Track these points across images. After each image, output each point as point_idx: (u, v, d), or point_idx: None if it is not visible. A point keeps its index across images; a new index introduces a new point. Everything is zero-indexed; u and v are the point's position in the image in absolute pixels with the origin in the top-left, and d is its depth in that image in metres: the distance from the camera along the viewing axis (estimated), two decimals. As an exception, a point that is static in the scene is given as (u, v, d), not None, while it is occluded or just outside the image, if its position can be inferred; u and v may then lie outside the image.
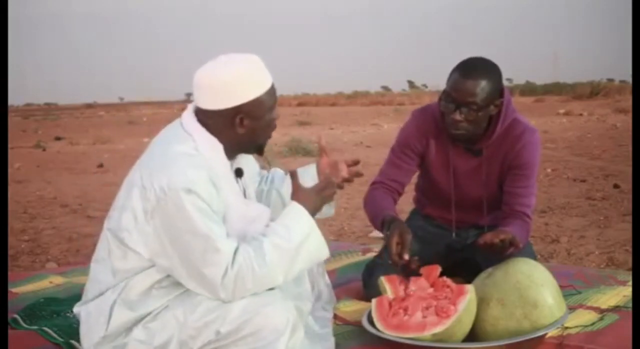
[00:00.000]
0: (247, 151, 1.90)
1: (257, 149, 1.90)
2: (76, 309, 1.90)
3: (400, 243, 2.16)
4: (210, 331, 1.73)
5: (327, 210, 1.99)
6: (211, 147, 1.78)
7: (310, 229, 1.79)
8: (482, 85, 2.22)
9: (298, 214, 1.80)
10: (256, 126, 1.80)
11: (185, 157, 1.73)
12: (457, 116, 2.26)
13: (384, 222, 2.31)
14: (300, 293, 1.97)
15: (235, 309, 1.72)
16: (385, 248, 2.23)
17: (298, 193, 1.85)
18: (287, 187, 2.05)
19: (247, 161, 2.00)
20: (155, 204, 1.69)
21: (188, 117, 1.82)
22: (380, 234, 4.25)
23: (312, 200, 1.84)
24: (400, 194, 2.55)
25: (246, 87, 1.75)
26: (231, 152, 1.84)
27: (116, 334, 1.80)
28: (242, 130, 1.78)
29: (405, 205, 3.11)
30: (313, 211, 1.82)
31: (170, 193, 1.66)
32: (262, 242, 1.73)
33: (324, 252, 1.83)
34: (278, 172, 2.19)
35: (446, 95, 2.29)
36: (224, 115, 1.76)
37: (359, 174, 2.03)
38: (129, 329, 1.80)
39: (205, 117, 1.79)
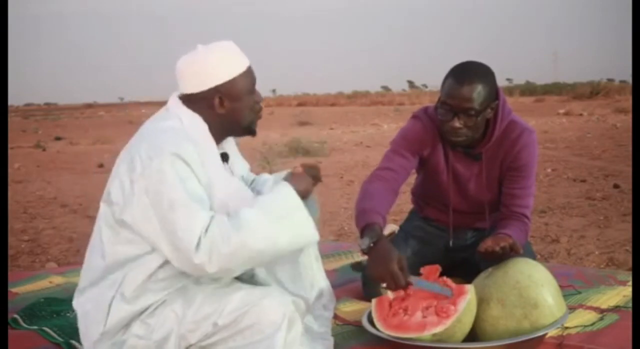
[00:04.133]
0: (235, 133, 1.94)
1: (246, 131, 1.94)
2: (75, 302, 1.90)
3: (401, 269, 2.00)
4: (208, 323, 1.74)
5: (313, 211, 1.94)
6: (195, 124, 1.84)
7: (295, 204, 1.78)
8: (478, 90, 2.20)
9: (284, 189, 1.81)
10: (236, 106, 1.86)
11: (172, 130, 1.79)
12: (457, 123, 2.24)
13: (365, 230, 2.14)
14: (297, 291, 1.97)
15: (233, 302, 1.73)
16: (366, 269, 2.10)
17: (290, 178, 1.90)
18: (267, 189, 2.07)
19: (237, 159, 2.04)
20: (140, 171, 1.71)
21: (173, 100, 1.89)
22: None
23: (302, 180, 1.88)
24: (402, 183, 2.43)
25: (221, 69, 1.83)
26: (218, 135, 1.89)
27: (115, 331, 1.80)
28: (222, 110, 1.85)
29: (405, 205, 3.11)
30: (301, 191, 1.83)
31: (155, 159, 1.70)
32: (239, 210, 1.73)
33: (310, 230, 1.79)
34: (262, 175, 2.20)
35: (442, 103, 2.26)
36: (204, 97, 1.84)
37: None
38: (127, 325, 1.80)
39: (189, 102, 1.86)
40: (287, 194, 1.79)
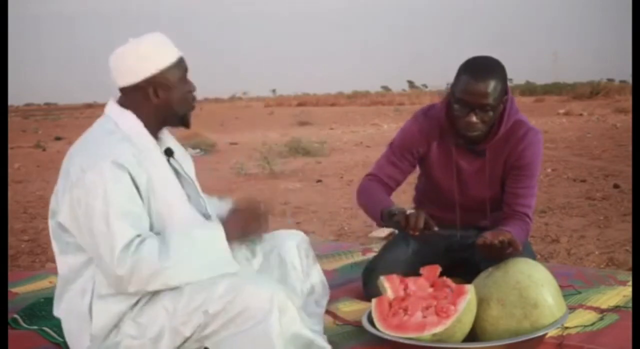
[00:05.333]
0: (171, 123, 1.95)
1: (181, 121, 1.95)
2: (55, 311, 1.92)
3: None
4: (199, 313, 1.75)
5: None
6: (129, 122, 1.86)
7: (221, 253, 1.80)
8: (494, 85, 2.22)
9: (215, 228, 1.82)
10: (171, 96, 1.88)
11: (108, 135, 1.82)
12: (474, 119, 2.25)
13: (384, 214, 2.28)
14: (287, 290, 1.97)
15: (220, 289, 1.75)
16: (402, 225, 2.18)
17: (229, 216, 1.89)
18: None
19: (184, 156, 2.05)
20: (74, 183, 1.75)
21: (109, 103, 1.92)
22: (381, 234, 4.29)
23: (236, 226, 1.86)
24: (392, 190, 2.53)
25: (152, 60, 1.85)
26: (154, 127, 1.91)
27: (105, 333, 1.80)
28: (157, 100, 1.87)
29: (405, 205, 3.11)
30: (232, 235, 1.83)
31: (88, 171, 1.73)
32: (170, 237, 1.76)
33: (231, 268, 1.82)
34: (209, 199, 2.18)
35: (458, 99, 2.27)
36: (138, 89, 1.85)
37: None
38: (116, 325, 1.80)
39: (124, 96, 1.89)
40: (217, 238, 1.80)
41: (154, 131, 1.91)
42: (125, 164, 1.75)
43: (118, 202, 1.73)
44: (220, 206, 2.11)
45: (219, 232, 1.81)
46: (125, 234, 1.72)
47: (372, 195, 2.44)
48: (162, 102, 1.87)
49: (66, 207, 1.77)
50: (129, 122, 1.86)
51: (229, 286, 1.75)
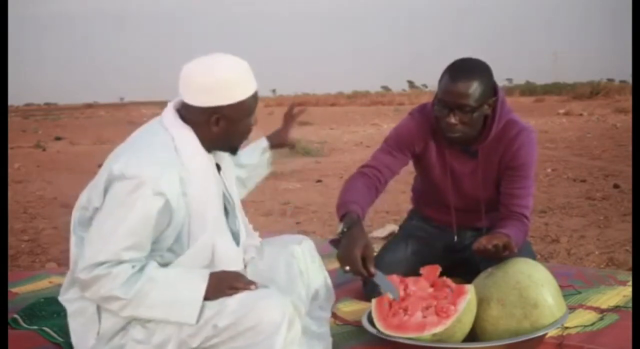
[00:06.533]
0: (221, 149, 1.92)
1: (231, 150, 1.93)
2: (61, 297, 1.91)
3: (366, 257, 2.03)
4: (209, 326, 1.73)
5: (266, 168, 2.40)
6: (188, 141, 1.81)
7: (190, 297, 1.75)
8: (474, 87, 2.21)
9: (199, 279, 1.77)
10: (231, 128, 1.83)
11: (160, 148, 1.77)
12: (452, 120, 2.25)
13: (344, 218, 2.22)
14: (293, 295, 1.97)
15: (232, 303, 1.73)
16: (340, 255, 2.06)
17: (217, 273, 1.83)
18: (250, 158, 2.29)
19: (229, 163, 2.03)
20: (112, 181, 1.72)
21: (167, 112, 1.86)
22: (381, 234, 4.29)
23: (219, 281, 1.80)
24: (386, 182, 2.47)
25: (230, 89, 1.78)
26: (208, 147, 1.87)
27: (110, 335, 1.80)
28: (216, 129, 1.82)
29: (405, 205, 3.11)
30: (209, 288, 1.77)
31: (132, 179, 1.69)
32: (150, 270, 1.73)
33: (189, 319, 1.74)
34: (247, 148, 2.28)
35: (439, 100, 2.28)
36: (203, 112, 1.80)
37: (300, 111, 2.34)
38: (124, 329, 1.80)
39: (186, 110, 1.83)
40: (195, 289, 1.75)
41: (208, 149, 1.86)
42: (167, 193, 1.71)
43: (133, 226, 1.70)
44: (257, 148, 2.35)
45: (201, 284, 1.76)
46: (116, 253, 1.70)
47: (349, 192, 2.38)
48: (220, 132, 1.82)
49: (100, 194, 1.76)
50: (187, 140, 1.81)
51: (241, 301, 1.73)
